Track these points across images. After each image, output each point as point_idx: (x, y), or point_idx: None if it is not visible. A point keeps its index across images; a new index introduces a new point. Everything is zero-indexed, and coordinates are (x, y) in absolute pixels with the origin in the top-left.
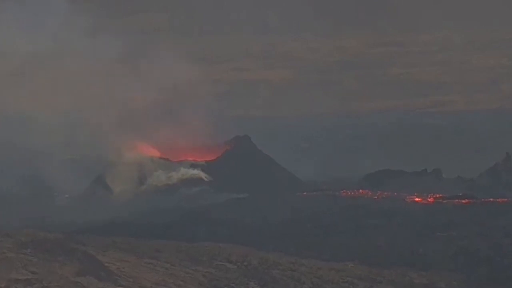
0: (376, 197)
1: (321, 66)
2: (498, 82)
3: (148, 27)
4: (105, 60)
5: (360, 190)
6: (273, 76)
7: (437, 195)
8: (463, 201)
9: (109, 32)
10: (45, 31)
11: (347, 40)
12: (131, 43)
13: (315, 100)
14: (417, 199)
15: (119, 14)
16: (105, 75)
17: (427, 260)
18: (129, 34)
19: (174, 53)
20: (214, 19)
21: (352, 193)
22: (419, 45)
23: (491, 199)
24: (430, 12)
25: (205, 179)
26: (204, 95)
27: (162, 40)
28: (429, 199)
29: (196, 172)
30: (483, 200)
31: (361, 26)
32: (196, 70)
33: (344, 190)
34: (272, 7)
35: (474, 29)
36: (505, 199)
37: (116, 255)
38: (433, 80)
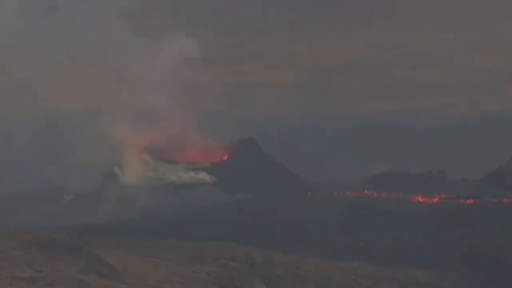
0: (381, 198)
1: (325, 68)
2: (502, 84)
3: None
4: (107, 60)
5: (365, 191)
6: (277, 78)
7: (442, 196)
8: (468, 201)
9: (113, 35)
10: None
11: (349, 42)
12: (133, 44)
13: (319, 101)
14: (421, 200)
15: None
16: (109, 77)
17: (432, 260)
18: (132, 36)
19: (176, 55)
20: (216, 21)
21: (357, 194)
22: (421, 46)
23: (496, 200)
24: (432, 13)
25: (210, 181)
26: (208, 97)
27: (165, 42)
28: (434, 200)
29: (201, 173)
30: (487, 201)
31: (364, 28)
32: (200, 73)
33: (349, 191)
34: (274, 9)
35: (478, 31)
36: (510, 200)
37: (120, 254)
38: (437, 81)
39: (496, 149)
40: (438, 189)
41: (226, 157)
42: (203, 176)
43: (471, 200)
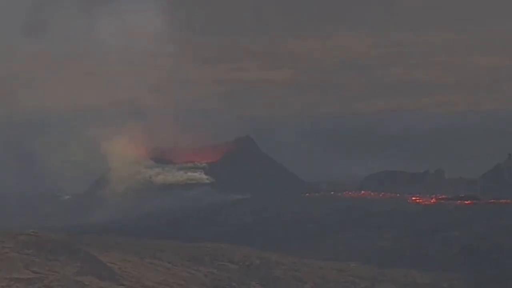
0: (378, 198)
1: (323, 67)
2: (500, 83)
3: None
4: (106, 60)
5: (362, 191)
6: (274, 77)
7: (439, 196)
8: (465, 202)
9: (109, 33)
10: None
11: (349, 41)
12: (131, 43)
13: (317, 100)
14: (419, 200)
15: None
16: (107, 77)
17: (429, 260)
18: (129, 34)
19: (175, 53)
20: (215, 19)
21: (354, 194)
22: (421, 46)
23: (493, 200)
24: (432, 13)
25: (207, 181)
26: (205, 96)
27: (163, 40)
28: (431, 200)
29: (198, 173)
30: (485, 201)
31: (363, 27)
32: (197, 71)
33: (346, 191)
34: (273, 7)
35: (476, 29)
36: (507, 200)
37: (118, 255)
38: (435, 80)
39: (495, 148)
40: (436, 188)
41: (222, 156)
42: (200, 175)
43: (468, 201)
